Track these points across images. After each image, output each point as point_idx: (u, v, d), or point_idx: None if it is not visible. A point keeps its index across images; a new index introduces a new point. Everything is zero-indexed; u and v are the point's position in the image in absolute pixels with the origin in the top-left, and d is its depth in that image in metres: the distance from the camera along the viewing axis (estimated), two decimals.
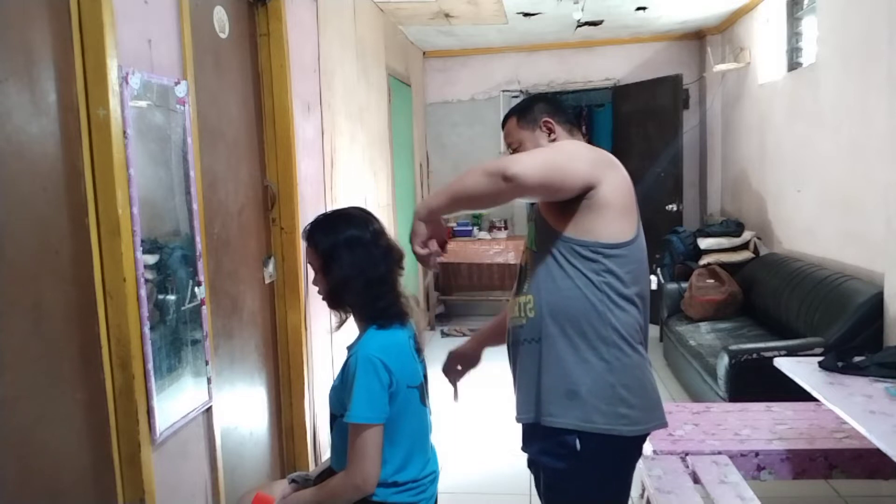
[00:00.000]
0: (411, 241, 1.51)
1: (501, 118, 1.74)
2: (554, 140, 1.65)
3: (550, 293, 1.50)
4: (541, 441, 1.53)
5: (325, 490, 1.57)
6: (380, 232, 1.65)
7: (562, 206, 1.48)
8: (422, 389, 1.66)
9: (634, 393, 1.48)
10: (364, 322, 1.64)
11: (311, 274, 1.68)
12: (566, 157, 1.46)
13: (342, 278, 1.59)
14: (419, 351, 1.71)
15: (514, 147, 1.68)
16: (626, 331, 1.49)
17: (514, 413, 1.58)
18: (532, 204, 1.65)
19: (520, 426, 1.60)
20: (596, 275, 1.47)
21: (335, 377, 1.66)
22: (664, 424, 1.54)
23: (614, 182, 1.47)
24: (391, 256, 1.64)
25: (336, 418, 1.64)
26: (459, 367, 1.94)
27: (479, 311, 6.41)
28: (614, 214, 1.47)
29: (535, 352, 1.52)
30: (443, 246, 1.56)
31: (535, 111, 1.68)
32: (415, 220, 1.50)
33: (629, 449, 1.53)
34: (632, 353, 1.50)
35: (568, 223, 1.48)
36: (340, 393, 1.59)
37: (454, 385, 1.96)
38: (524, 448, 1.60)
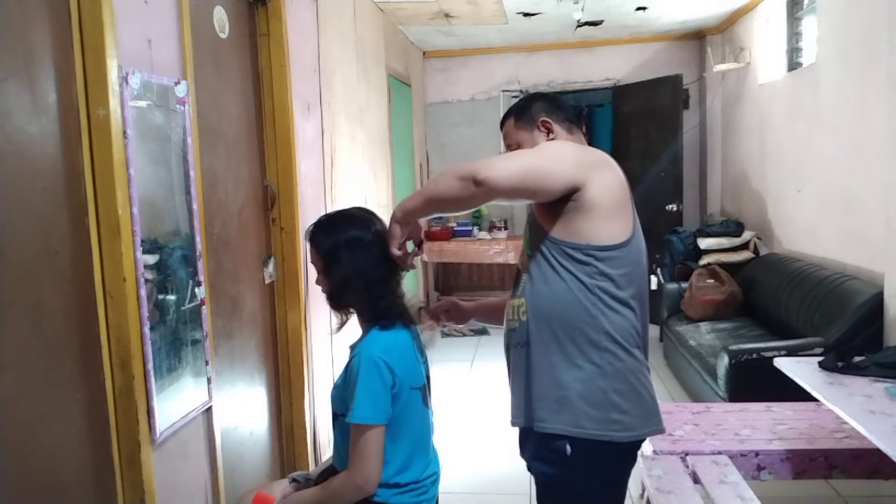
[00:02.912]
0: (387, 243, 1.52)
1: (501, 118, 1.73)
2: (552, 140, 1.61)
3: (542, 296, 1.47)
4: (533, 446, 1.52)
5: (326, 490, 1.57)
6: (382, 232, 1.65)
7: (551, 207, 1.46)
8: (424, 391, 1.66)
9: (628, 398, 1.44)
10: (367, 322, 1.64)
11: (314, 274, 1.68)
12: (546, 159, 1.42)
13: (343, 279, 1.59)
14: (422, 352, 1.71)
15: (514, 148, 1.65)
16: (621, 335, 1.45)
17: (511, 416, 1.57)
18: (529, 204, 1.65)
19: (518, 428, 1.59)
20: (589, 277, 1.43)
21: (337, 377, 1.67)
22: (660, 430, 1.50)
23: (602, 182, 1.43)
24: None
25: (338, 417, 1.64)
26: (447, 312, 1.90)
27: None
28: (604, 215, 1.43)
29: (526, 356, 1.50)
30: (419, 246, 1.62)
31: (532, 110, 1.65)
32: (391, 223, 1.51)
33: (622, 455, 1.48)
34: (626, 357, 1.46)
35: (557, 224, 1.45)
36: (343, 392, 1.59)
37: (430, 316, 1.89)
38: (521, 453, 1.59)
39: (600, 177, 1.43)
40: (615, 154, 6.35)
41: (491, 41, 5.96)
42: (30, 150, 1.45)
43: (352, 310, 1.67)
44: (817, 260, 3.90)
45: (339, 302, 1.65)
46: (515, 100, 6.36)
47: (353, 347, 1.64)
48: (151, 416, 1.73)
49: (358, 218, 1.65)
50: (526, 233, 1.60)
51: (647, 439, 2.47)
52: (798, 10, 4.35)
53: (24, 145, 1.44)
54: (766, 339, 3.70)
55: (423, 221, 1.65)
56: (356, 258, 1.58)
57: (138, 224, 1.69)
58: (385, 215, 1.69)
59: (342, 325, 1.71)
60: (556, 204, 1.44)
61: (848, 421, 1.94)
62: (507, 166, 1.38)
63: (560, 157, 1.43)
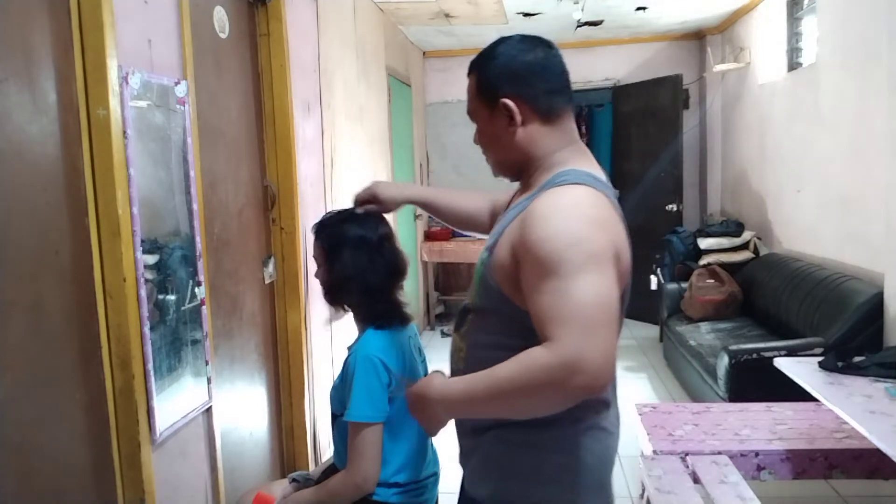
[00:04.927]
0: (429, 431, 1.18)
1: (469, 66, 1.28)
2: (513, 132, 1.18)
3: (482, 360, 1.09)
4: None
5: (325, 489, 1.57)
6: (387, 236, 1.65)
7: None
8: None
9: (570, 470, 1.17)
10: (363, 323, 1.64)
11: (314, 274, 1.69)
12: (599, 275, 0.99)
13: (343, 277, 1.60)
14: (420, 350, 1.71)
15: (471, 116, 1.25)
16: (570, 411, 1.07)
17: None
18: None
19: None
20: None
21: (336, 377, 1.67)
22: None
23: (622, 268, 1.08)
24: (395, 263, 1.64)
25: (337, 417, 1.64)
26: (366, 203, 1.61)
27: None
28: None
29: None
30: None
31: (495, 79, 1.18)
32: (431, 409, 1.12)
33: None
34: (570, 427, 1.16)
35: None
36: (341, 392, 1.60)
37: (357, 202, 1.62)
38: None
39: (622, 261, 1.08)
40: (615, 154, 6.41)
41: (491, 41, 5.95)
42: (30, 150, 1.45)
43: (347, 308, 1.68)
44: (817, 260, 3.90)
45: (335, 299, 1.66)
46: None
47: (350, 347, 1.64)
48: (151, 416, 1.73)
49: (366, 218, 1.65)
50: (477, 276, 1.22)
51: (648, 440, 2.48)
52: (798, 10, 4.35)
53: (24, 145, 1.44)
54: (766, 339, 3.70)
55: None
56: (358, 259, 1.58)
57: (138, 224, 1.69)
58: (385, 216, 1.69)
59: (337, 315, 1.71)
60: None
61: (848, 421, 1.94)
62: (601, 341, 0.94)
63: (599, 258, 1.01)
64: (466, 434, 1.26)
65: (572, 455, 1.16)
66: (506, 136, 1.19)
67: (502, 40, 1.22)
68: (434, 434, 1.19)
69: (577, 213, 1.05)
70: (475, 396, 1.05)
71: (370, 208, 1.60)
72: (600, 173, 1.19)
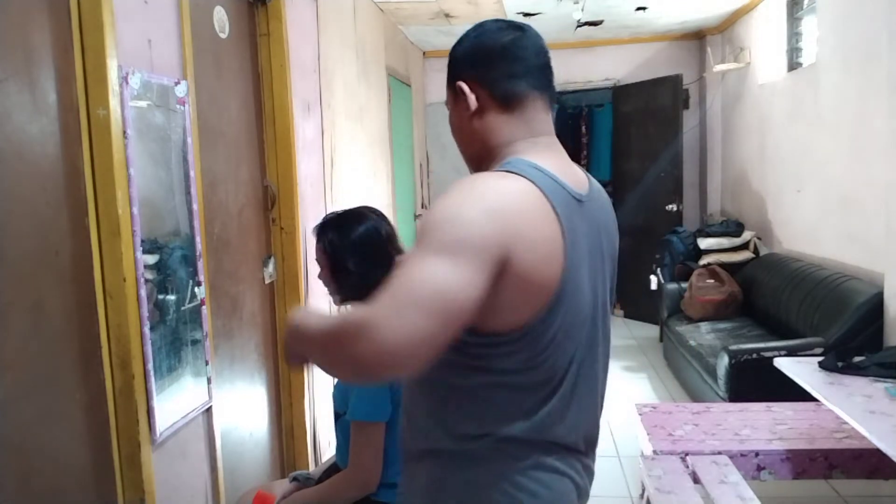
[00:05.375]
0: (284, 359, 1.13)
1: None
2: (469, 118, 1.07)
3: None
4: None
5: (327, 488, 1.57)
6: (390, 235, 1.65)
7: None
8: None
9: None
10: None
11: (314, 274, 1.69)
12: (447, 261, 0.85)
13: (345, 278, 1.60)
14: None
15: (447, 108, 1.16)
16: (508, 447, 1.00)
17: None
18: None
19: None
20: (460, 362, 0.99)
21: None
22: None
23: (531, 257, 0.92)
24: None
25: (340, 417, 1.64)
26: None
27: None
28: (509, 299, 0.92)
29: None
30: None
31: (457, 62, 1.10)
32: (286, 337, 1.05)
33: None
34: (508, 463, 1.01)
35: None
36: (343, 391, 1.60)
37: None
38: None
39: (523, 246, 0.91)
40: (615, 154, 6.41)
41: None
42: (30, 150, 1.45)
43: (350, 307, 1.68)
44: (817, 260, 3.90)
45: (338, 300, 1.66)
46: None
47: None
48: (151, 416, 1.73)
49: (368, 218, 1.65)
50: None
51: (648, 440, 2.48)
52: (798, 10, 4.35)
53: (24, 145, 1.44)
54: (766, 339, 3.70)
55: None
56: (361, 260, 1.58)
57: (138, 224, 1.69)
58: (386, 215, 1.69)
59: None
60: None
61: (848, 421, 1.94)
62: (408, 323, 0.81)
63: (470, 248, 0.87)
64: (403, 458, 1.14)
65: (511, 498, 1.00)
66: (465, 123, 1.09)
67: (477, 26, 1.11)
68: (288, 363, 1.11)
69: (475, 196, 0.92)
70: (303, 330, 0.97)
71: None
72: (563, 171, 1.03)
